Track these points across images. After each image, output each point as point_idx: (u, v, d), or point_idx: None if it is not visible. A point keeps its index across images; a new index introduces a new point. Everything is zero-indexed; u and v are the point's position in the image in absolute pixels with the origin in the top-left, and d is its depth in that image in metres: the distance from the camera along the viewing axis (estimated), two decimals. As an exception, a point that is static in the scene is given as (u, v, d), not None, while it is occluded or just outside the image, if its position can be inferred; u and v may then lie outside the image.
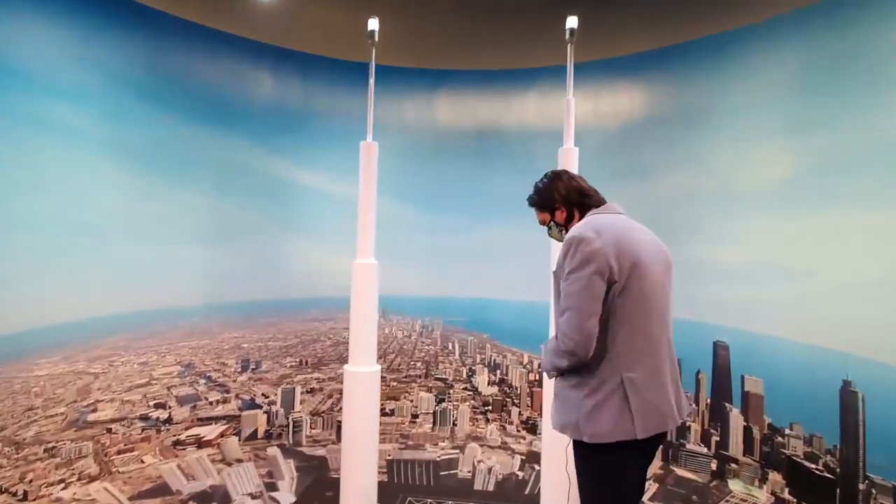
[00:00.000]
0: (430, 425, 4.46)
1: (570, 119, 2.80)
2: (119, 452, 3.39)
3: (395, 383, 4.48)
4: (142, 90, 3.55)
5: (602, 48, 4.04)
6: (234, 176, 3.96)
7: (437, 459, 3.95)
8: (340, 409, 4.43)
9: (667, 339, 1.62)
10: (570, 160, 2.76)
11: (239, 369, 4.03)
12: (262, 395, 4.10)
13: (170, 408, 3.67)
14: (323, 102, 4.39)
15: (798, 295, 3.24)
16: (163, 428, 3.62)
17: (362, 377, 2.80)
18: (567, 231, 1.77)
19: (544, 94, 4.47)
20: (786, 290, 3.30)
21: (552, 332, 1.88)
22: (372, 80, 2.91)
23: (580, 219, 1.74)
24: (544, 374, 1.92)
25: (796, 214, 3.27)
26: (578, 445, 1.59)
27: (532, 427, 4.33)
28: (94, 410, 3.33)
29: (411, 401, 4.50)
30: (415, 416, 4.48)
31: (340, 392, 4.53)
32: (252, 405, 4.04)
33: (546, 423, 2.59)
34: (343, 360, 4.48)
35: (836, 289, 3.08)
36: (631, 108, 4.12)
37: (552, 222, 1.84)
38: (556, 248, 2.01)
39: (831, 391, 3.08)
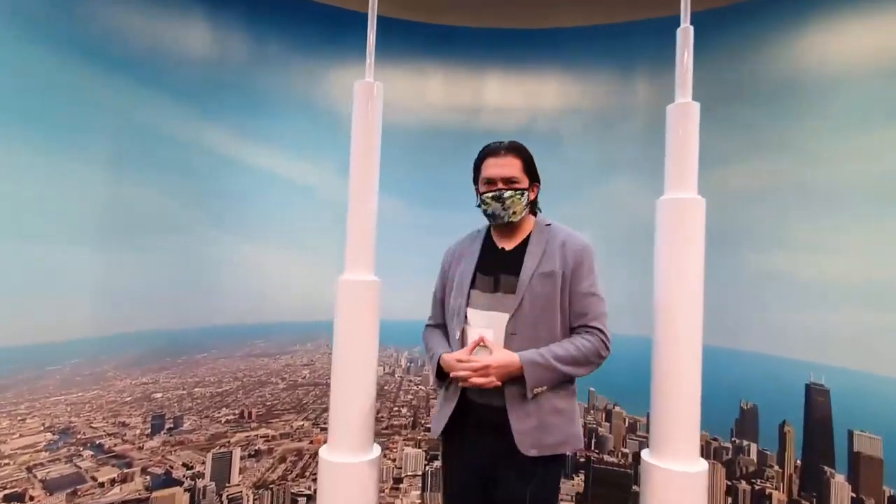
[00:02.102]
0: (419, 492, 3.34)
1: (684, 60, 1.80)
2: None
3: (371, 437, 3.32)
4: (7, 6, 2.28)
5: (655, 5, 3.12)
6: (145, 146, 2.70)
7: (439, 554, 2.84)
8: (297, 477, 3.25)
9: None
10: (687, 120, 1.76)
11: (148, 431, 2.76)
12: (184, 465, 2.84)
13: (31, 500, 2.37)
14: (281, 54, 3.21)
15: (946, 326, 2.39)
16: (19, 531, 2.32)
17: (352, 472, 1.67)
18: (524, 211, 1.65)
19: (569, 62, 3.49)
20: (924, 318, 2.45)
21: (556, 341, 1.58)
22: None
23: (530, 211, 1.70)
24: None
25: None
26: (558, 461, 1.59)
27: (554, 492, 3.30)
28: None
29: (393, 460, 3.36)
30: (398, 480, 3.34)
31: (296, 453, 3.33)
32: (168, 481, 2.78)
33: None
34: (302, 408, 3.30)
35: None
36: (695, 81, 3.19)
37: (525, 192, 1.62)
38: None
39: None
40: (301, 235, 3.18)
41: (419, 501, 3.32)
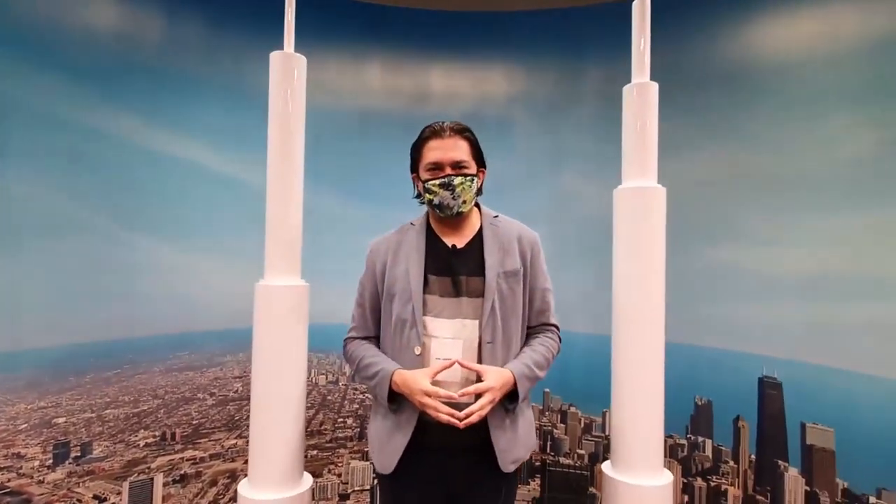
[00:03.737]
0: (367, 508, 3.11)
1: (641, 36, 1.65)
2: None
3: (315, 452, 3.08)
4: None
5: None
6: (39, 133, 2.33)
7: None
8: (230, 501, 2.95)
9: None
10: (646, 102, 1.62)
11: (49, 461, 2.40)
12: (95, 497, 2.50)
13: None
14: (202, 31, 2.89)
15: (893, 315, 2.38)
16: None
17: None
18: (471, 200, 1.48)
19: (517, 48, 3.33)
20: (872, 308, 2.43)
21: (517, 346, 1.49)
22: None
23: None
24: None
25: (888, 207, 2.41)
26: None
27: None
28: None
29: (339, 475, 3.12)
30: (344, 496, 3.11)
31: (228, 475, 3.03)
32: (75, 517, 2.44)
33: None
34: (235, 425, 3.00)
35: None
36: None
37: (475, 178, 1.46)
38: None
39: (942, 447, 2.25)
40: (230, 233, 2.87)
41: (367, 518, 3.10)
